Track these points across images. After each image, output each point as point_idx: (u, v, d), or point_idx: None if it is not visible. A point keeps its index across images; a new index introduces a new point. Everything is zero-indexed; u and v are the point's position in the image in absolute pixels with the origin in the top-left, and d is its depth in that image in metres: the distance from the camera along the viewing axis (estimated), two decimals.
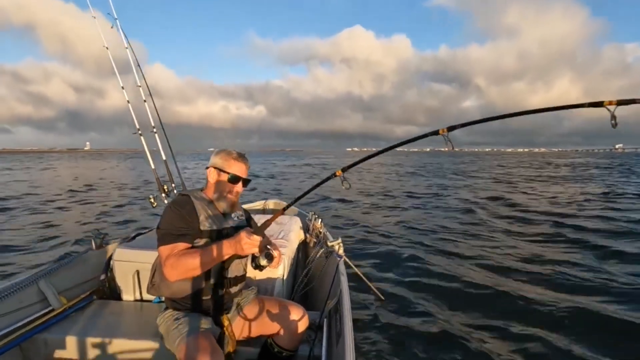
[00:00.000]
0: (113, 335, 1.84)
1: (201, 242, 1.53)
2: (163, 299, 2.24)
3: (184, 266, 1.41)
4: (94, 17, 3.45)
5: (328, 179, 1.60)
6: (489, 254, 5.07)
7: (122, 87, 3.51)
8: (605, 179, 17.60)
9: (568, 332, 2.96)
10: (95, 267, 2.41)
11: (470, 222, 7.43)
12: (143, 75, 3.71)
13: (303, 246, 3.20)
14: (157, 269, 1.61)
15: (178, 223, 1.49)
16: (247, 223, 1.79)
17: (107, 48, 3.49)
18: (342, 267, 2.22)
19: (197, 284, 1.55)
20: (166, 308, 1.63)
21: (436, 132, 1.33)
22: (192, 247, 1.49)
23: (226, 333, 1.60)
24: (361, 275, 3.03)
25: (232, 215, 1.69)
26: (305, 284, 2.59)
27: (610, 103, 1.20)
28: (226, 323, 1.61)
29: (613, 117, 1.20)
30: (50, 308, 2.03)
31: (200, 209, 1.56)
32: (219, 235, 1.56)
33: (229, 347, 1.60)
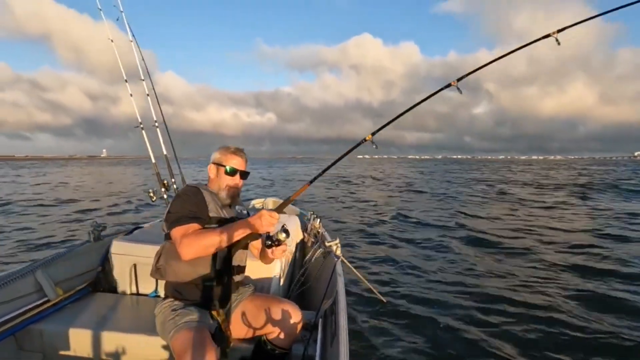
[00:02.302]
0: (108, 327, 1.83)
1: (210, 226, 1.57)
2: (159, 293, 2.25)
3: (201, 243, 1.44)
4: (100, 9, 3.46)
5: (359, 144, 1.68)
6: (492, 255, 5.07)
7: (126, 80, 3.53)
8: None
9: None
10: (93, 259, 2.40)
11: (475, 225, 7.42)
12: (147, 69, 3.72)
13: (301, 246, 3.20)
14: (162, 253, 1.64)
15: (191, 207, 1.55)
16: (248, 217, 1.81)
17: (111, 40, 3.50)
18: (339, 268, 2.22)
19: (203, 268, 1.57)
20: (165, 297, 1.64)
21: (448, 85, 1.59)
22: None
23: (222, 328, 1.60)
24: (359, 275, 3.02)
25: (237, 208, 1.76)
26: (301, 283, 2.59)
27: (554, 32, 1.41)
28: (222, 318, 1.62)
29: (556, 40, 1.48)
30: (46, 299, 2.02)
31: (209, 200, 1.63)
32: (225, 222, 1.61)
33: (224, 343, 1.60)
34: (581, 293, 3.84)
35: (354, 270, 2.81)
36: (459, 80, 1.51)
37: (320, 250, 2.70)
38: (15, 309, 1.86)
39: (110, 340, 1.79)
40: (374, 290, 3.28)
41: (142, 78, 3.67)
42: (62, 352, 1.81)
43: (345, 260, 2.42)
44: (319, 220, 3.24)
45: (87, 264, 2.37)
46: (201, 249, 1.45)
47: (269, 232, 1.50)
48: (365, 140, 1.63)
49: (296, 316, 1.68)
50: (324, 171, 1.68)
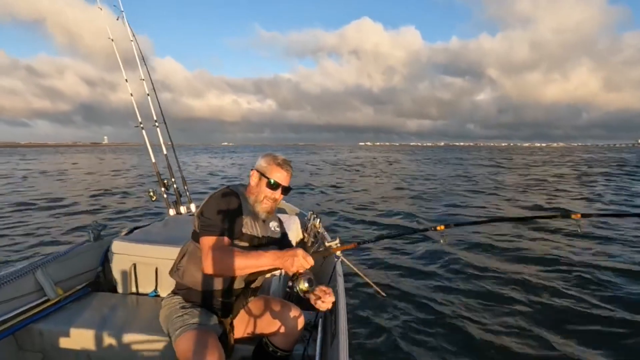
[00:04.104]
0: (108, 327, 1.83)
1: (240, 244, 1.53)
2: (159, 292, 2.24)
3: (229, 264, 1.38)
4: (100, 9, 3.46)
5: (426, 230, 1.67)
6: (495, 249, 5.07)
7: (126, 80, 3.53)
8: None
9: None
10: (92, 259, 2.41)
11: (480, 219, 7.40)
12: (147, 68, 3.72)
13: (301, 246, 3.20)
14: (186, 254, 1.61)
15: (227, 216, 1.49)
16: (282, 237, 1.77)
17: (112, 40, 3.50)
18: (339, 267, 2.21)
19: (221, 284, 1.55)
20: (175, 293, 1.63)
21: (569, 216, 1.45)
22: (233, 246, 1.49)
23: (227, 334, 1.60)
24: (360, 273, 3.00)
25: (270, 225, 1.69)
26: None
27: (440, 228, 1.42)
28: (229, 326, 1.62)
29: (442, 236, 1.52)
30: (45, 298, 2.03)
31: (246, 212, 1.57)
32: (257, 242, 1.59)
33: (228, 350, 1.60)
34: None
35: (354, 269, 2.80)
36: (583, 216, 1.43)
37: (320, 250, 2.69)
38: (15, 309, 1.86)
39: (110, 339, 1.79)
40: (375, 287, 3.27)
41: (142, 78, 3.67)
42: (61, 352, 1.81)
43: (345, 260, 2.42)
44: (318, 220, 3.24)
45: (87, 263, 2.37)
46: (225, 270, 1.41)
47: (293, 274, 1.42)
48: (436, 229, 1.68)
49: (298, 318, 1.68)
50: (377, 238, 1.70)
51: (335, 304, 1.81)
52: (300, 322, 1.69)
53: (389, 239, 1.66)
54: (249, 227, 1.57)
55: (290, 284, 1.41)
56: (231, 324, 1.65)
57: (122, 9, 3.54)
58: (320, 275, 2.51)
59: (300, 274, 1.39)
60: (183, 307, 1.54)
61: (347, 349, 1.37)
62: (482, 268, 4.62)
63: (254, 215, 1.60)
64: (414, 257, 5.06)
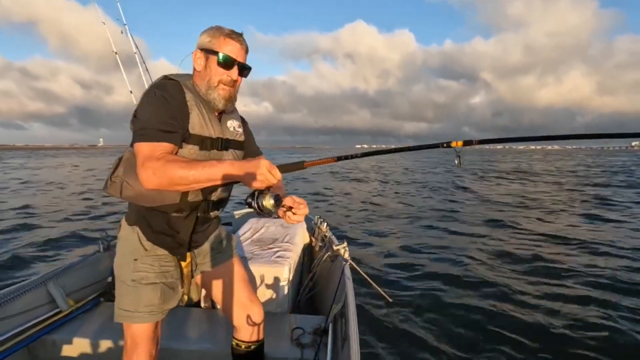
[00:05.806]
0: (120, 336, 1.85)
1: (188, 148, 1.22)
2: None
3: (171, 176, 1.09)
4: (104, 23, 3.52)
5: (436, 146, 1.27)
6: (505, 256, 5.01)
7: (131, 92, 3.57)
8: None
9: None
10: (103, 269, 2.43)
11: (490, 225, 7.35)
12: (151, 79, 3.77)
13: (308, 250, 3.20)
14: (123, 163, 1.30)
15: (165, 115, 1.15)
16: (248, 142, 1.48)
17: (116, 53, 3.55)
18: (347, 271, 2.21)
19: (169, 195, 1.25)
20: (132, 223, 1.33)
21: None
22: (178, 154, 1.20)
23: (184, 276, 1.43)
24: (368, 279, 3.00)
25: (228, 124, 1.36)
26: (310, 288, 2.58)
27: (457, 144, 1.21)
28: (188, 266, 1.43)
29: (457, 157, 1.26)
30: (58, 310, 2.05)
31: (193, 104, 1.23)
32: (210, 145, 1.28)
33: (185, 292, 1.47)
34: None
35: (362, 273, 2.80)
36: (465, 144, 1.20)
37: (328, 254, 2.69)
38: (28, 321, 1.89)
39: (122, 349, 1.81)
40: (382, 293, 3.25)
41: (146, 85, 3.72)
42: None
43: (353, 264, 2.42)
44: (325, 224, 3.24)
45: (98, 274, 2.40)
46: (166, 183, 1.11)
47: (256, 190, 1.17)
48: (450, 145, 1.24)
49: (257, 306, 1.54)
50: (363, 155, 1.33)
51: (345, 308, 1.81)
52: (259, 312, 1.52)
53: (375, 154, 1.27)
54: (198, 127, 1.23)
55: (249, 200, 1.17)
56: (192, 258, 1.45)
57: (125, 22, 3.60)
58: (329, 279, 2.51)
59: (266, 189, 1.17)
60: (140, 247, 1.31)
61: (358, 353, 1.37)
62: (492, 274, 4.57)
63: (206, 111, 1.27)
64: (424, 261, 5.03)
